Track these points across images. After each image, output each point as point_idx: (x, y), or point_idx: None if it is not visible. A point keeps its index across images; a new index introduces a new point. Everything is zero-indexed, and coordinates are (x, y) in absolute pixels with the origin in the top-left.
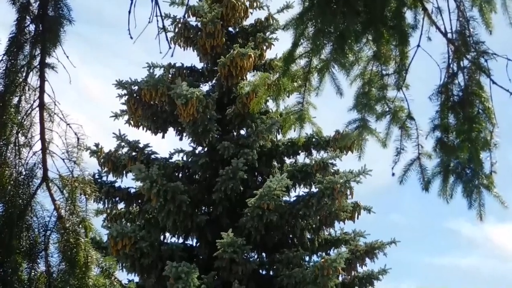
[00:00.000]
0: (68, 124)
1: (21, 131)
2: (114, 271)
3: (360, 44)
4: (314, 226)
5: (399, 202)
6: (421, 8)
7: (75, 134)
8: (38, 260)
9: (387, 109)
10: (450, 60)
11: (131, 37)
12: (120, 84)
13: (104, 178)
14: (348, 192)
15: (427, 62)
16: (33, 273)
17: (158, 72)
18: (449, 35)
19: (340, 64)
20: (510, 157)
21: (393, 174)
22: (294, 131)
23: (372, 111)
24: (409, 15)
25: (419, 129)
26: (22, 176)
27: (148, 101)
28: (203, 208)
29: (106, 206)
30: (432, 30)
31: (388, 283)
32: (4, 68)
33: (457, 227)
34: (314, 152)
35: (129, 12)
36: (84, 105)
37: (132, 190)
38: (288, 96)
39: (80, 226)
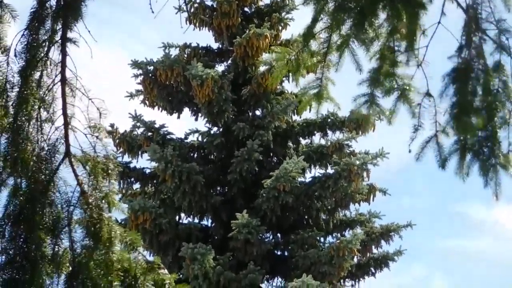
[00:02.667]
0: (90, 99)
1: (43, 106)
2: (138, 245)
3: (380, 20)
4: (329, 207)
5: (409, 185)
6: None
7: (97, 109)
8: (62, 236)
9: (396, 86)
10: (471, 37)
11: (153, 11)
12: (135, 64)
13: (120, 159)
14: (365, 174)
15: (449, 39)
16: (56, 249)
17: (173, 52)
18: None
19: (360, 39)
20: None
21: (409, 151)
22: (310, 111)
23: (382, 86)
24: None
25: (437, 106)
26: (44, 152)
27: (164, 81)
28: (218, 188)
29: (122, 186)
30: (453, 6)
31: (398, 264)
32: (25, 42)
33: (467, 210)
34: (329, 132)
35: None
36: (95, 84)
37: (148, 171)
38: (308, 73)
39: (103, 201)
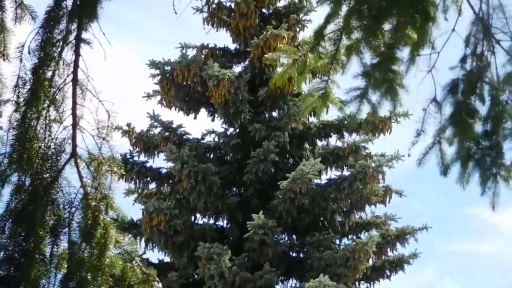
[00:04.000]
0: (101, 101)
1: (52, 106)
2: (135, 255)
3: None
4: (345, 209)
5: (418, 188)
6: None
7: (107, 111)
8: (61, 237)
9: (386, 79)
10: (483, 46)
11: (175, 12)
12: (153, 64)
13: (136, 158)
14: (380, 177)
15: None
16: (55, 249)
17: (190, 52)
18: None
19: (369, 45)
20: None
21: (409, 155)
22: (321, 112)
23: (373, 80)
24: None
25: (443, 113)
26: (51, 151)
27: (181, 82)
28: (234, 189)
29: (137, 186)
30: (468, 14)
31: (410, 267)
32: (39, 40)
33: (478, 214)
34: (346, 134)
35: None
36: (107, 84)
37: (164, 171)
38: (313, 77)
39: (102, 203)
